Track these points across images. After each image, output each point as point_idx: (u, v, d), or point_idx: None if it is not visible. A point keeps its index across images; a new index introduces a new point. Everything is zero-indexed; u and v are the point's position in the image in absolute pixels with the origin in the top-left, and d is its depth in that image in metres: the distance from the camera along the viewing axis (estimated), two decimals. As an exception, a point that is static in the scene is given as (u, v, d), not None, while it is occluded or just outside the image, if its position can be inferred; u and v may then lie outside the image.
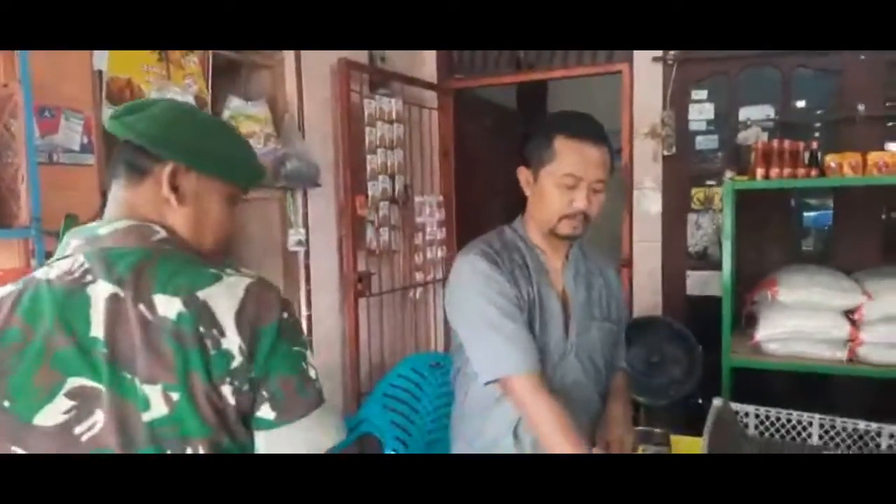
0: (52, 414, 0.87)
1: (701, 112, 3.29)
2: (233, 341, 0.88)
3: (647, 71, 3.33)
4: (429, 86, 3.62)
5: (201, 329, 0.87)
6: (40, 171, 1.72)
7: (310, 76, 2.84)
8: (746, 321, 2.96)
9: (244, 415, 0.90)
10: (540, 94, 5.57)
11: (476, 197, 3.98)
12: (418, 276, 3.49)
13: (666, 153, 3.30)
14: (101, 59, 2.04)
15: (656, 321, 3.12)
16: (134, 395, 0.87)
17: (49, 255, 1.67)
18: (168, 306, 0.88)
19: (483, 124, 4.20)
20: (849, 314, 2.54)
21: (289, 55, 2.78)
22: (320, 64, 2.92)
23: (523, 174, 1.49)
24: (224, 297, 0.90)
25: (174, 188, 0.98)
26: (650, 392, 2.94)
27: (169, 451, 0.88)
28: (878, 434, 1.47)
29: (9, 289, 0.96)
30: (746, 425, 1.61)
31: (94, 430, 0.88)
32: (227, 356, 0.88)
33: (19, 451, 0.89)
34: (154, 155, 0.97)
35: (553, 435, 1.25)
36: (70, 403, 0.88)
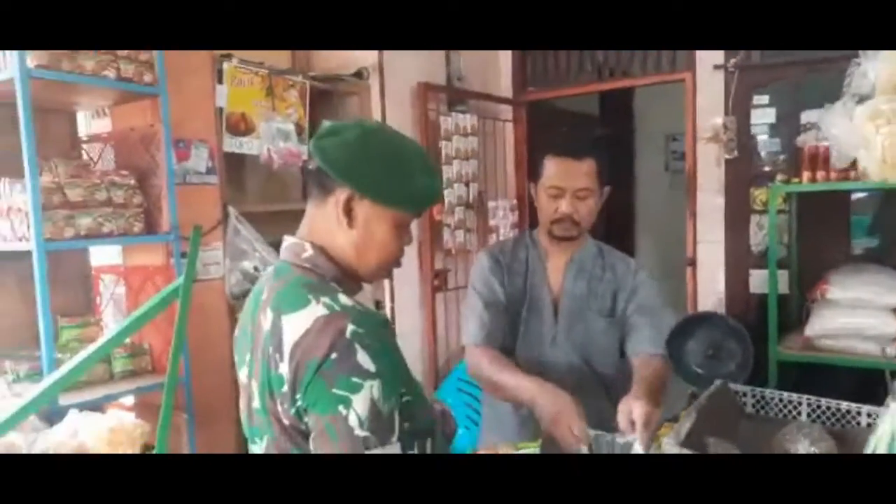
0: (243, 375, 1.10)
1: (763, 116, 3.40)
2: (285, 368, 0.95)
3: (709, 78, 3.48)
4: (502, 100, 3.95)
5: (271, 349, 0.98)
6: (177, 191, 2.22)
7: (392, 99, 3.26)
8: (806, 318, 3.06)
9: (299, 430, 0.97)
10: (625, 101, 5.75)
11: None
12: (492, 274, 3.82)
13: (728, 157, 3.45)
14: (222, 97, 2.54)
15: (713, 317, 3.26)
16: (252, 383, 1.05)
17: (183, 255, 2.16)
18: (266, 321, 1.01)
19: (559, 132, 4.47)
20: (897, 311, 2.62)
21: (374, 82, 3.21)
22: (402, 87, 3.33)
23: (532, 188, 1.74)
24: (293, 325, 0.96)
25: (347, 212, 1.03)
26: (704, 384, 3.11)
27: (262, 438, 1.03)
28: (858, 413, 1.66)
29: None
30: (745, 404, 1.84)
31: (243, 402, 1.09)
32: (281, 381, 0.96)
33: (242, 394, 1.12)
34: (333, 178, 1.03)
35: (495, 374, 1.53)
36: (247, 371, 1.08)
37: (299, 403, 0.94)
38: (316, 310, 0.96)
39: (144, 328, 2.27)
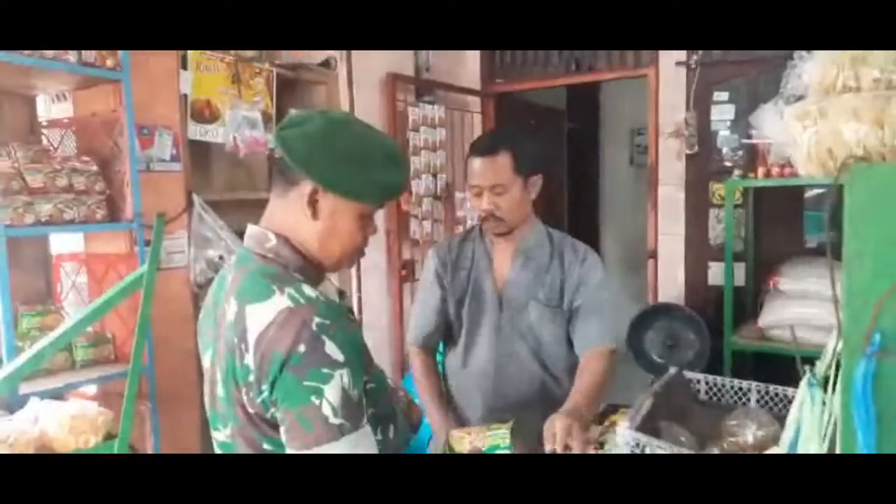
0: (206, 361, 1.10)
1: (722, 113, 3.50)
2: (250, 358, 0.95)
3: (671, 74, 3.56)
4: (470, 91, 3.98)
5: (236, 340, 0.97)
6: (140, 178, 2.21)
7: (360, 88, 3.27)
8: (760, 309, 3.18)
9: (264, 419, 0.97)
10: (592, 95, 5.83)
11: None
12: (459, 264, 3.86)
13: (689, 152, 3.54)
14: (186, 83, 2.52)
15: (672, 308, 3.38)
16: (216, 371, 1.05)
17: (147, 243, 2.15)
18: (230, 311, 1.00)
19: (526, 125, 4.52)
20: (844, 303, 2.73)
21: (342, 71, 3.21)
22: (370, 77, 3.33)
23: None
24: (257, 317, 0.96)
25: (311, 204, 1.03)
26: (663, 373, 3.20)
27: (226, 425, 1.03)
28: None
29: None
30: (698, 391, 1.91)
31: (207, 387, 1.09)
32: (246, 370, 0.96)
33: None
34: (297, 171, 1.02)
35: (419, 388, 1.74)
36: (210, 357, 1.09)
37: (265, 395, 0.94)
38: (280, 301, 0.96)
39: (107, 317, 2.26)
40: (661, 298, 3.65)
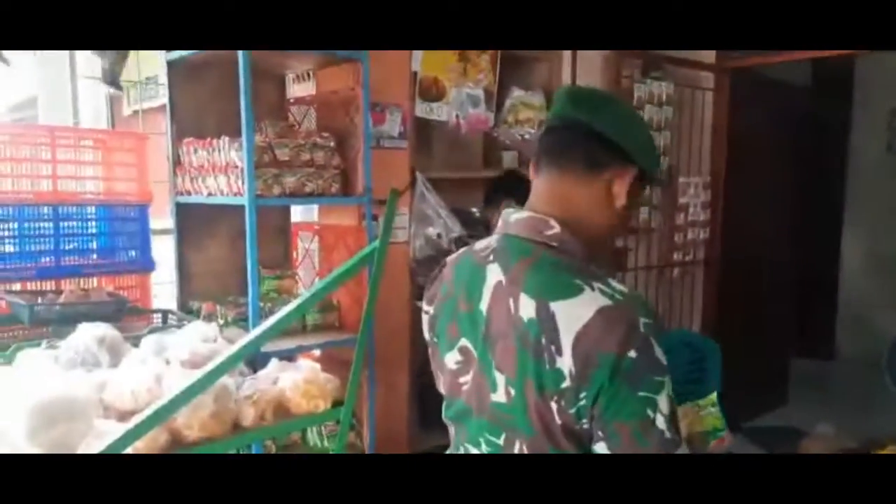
0: (451, 360, 1.04)
1: None
2: (566, 362, 0.85)
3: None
4: (703, 66, 3.61)
5: (543, 341, 0.87)
6: (370, 154, 2.28)
7: (584, 64, 3.10)
8: None
9: (571, 431, 0.88)
10: (844, 72, 5.06)
11: (749, 179, 3.87)
12: (676, 256, 3.57)
13: None
14: (417, 61, 2.55)
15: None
16: (490, 374, 0.95)
17: (374, 217, 2.22)
18: (526, 308, 0.90)
19: (766, 104, 4.02)
20: None
21: (566, 47, 3.07)
22: (594, 52, 3.15)
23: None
24: (572, 315, 0.86)
25: (631, 189, 0.99)
26: None
27: (503, 435, 0.94)
28: None
29: (455, 254, 1.13)
30: None
31: (466, 387, 1.01)
32: (559, 375, 0.86)
33: (440, 376, 1.08)
34: (619, 152, 0.97)
35: None
36: (460, 357, 1.02)
37: (583, 403, 0.85)
38: (593, 298, 0.87)
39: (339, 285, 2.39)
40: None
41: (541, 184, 1.01)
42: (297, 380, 1.49)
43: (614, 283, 0.91)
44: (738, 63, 3.69)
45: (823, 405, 4.37)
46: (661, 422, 0.84)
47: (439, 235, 2.41)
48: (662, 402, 0.84)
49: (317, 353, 2.55)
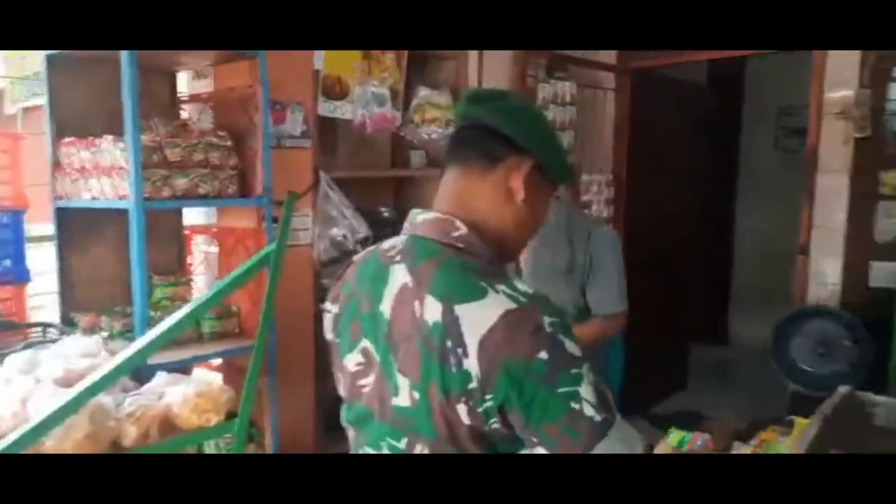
0: (351, 362, 1.01)
1: (902, 91, 3.04)
2: (472, 364, 0.85)
3: (841, 48, 3.14)
4: (605, 67, 3.72)
5: (448, 344, 0.86)
6: (270, 154, 2.20)
7: (490, 64, 3.12)
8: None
9: (479, 433, 0.88)
10: (736, 72, 5.34)
11: (650, 176, 4.02)
12: (583, 251, 3.66)
13: (858, 135, 3.10)
14: (319, 59, 2.49)
15: (825, 311, 3.01)
16: (391, 377, 0.93)
17: (275, 220, 2.14)
18: (431, 311, 0.88)
19: (666, 103, 4.19)
20: None
21: (471, 45, 3.08)
22: (500, 52, 3.18)
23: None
24: (477, 318, 0.85)
25: (526, 183, 0.96)
26: (811, 383, 2.87)
27: (405, 439, 0.92)
28: None
29: (362, 252, 1.10)
30: (872, 415, 1.65)
31: (367, 390, 0.99)
32: (466, 377, 0.85)
33: (340, 378, 1.06)
34: (513, 146, 0.96)
35: None
36: (360, 359, 0.99)
37: (489, 405, 0.85)
38: (498, 300, 0.86)
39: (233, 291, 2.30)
40: (811, 299, 3.27)
41: (445, 184, 1.00)
42: (187, 393, 1.42)
43: (519, 285, 0.90)
44: (638, 63, 3.82)
45: (720, 390, 4.63)
46: (588, 409, 0.84)
47: (344, 237, 2.36)
48: (585, 390, 0.84)
49: (217, 362, 2.44)
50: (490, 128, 0.96)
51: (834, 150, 3.19)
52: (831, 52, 3.16)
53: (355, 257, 1.11)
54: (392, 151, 3.16)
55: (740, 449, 1.79)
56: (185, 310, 1.39)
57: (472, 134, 0.98)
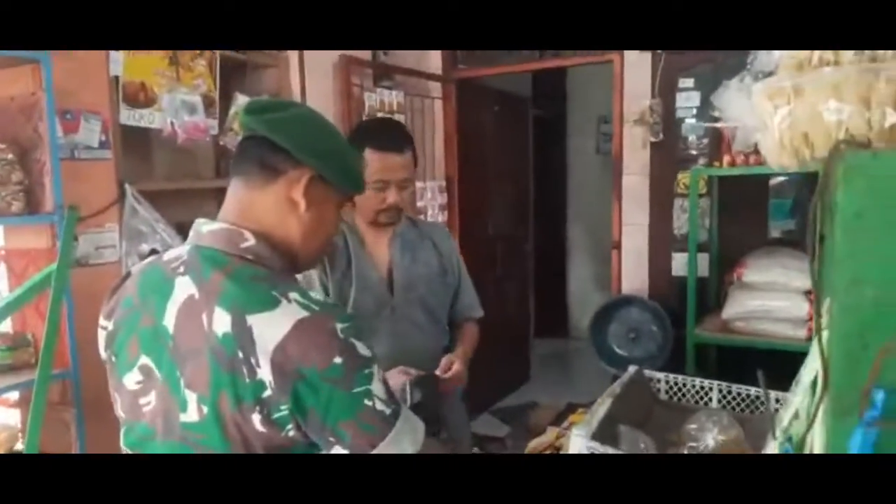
0: (130, 380, 0.97)
1: (688, 100, 3.41)
2: (265, 374, 0.85)
3: (636, 60, 3.47)
4: (432, 77, 3.83)
5: (240, 355, 0.85)
6: (63, 166, 2.02)
7: (313, 72, 3.10)
8: (724, 301, 3.11)
9: (273, 443, 0.88)
10: (559, 81, 5.72)
11: (480, 182, 4.20)
12: (419, 256, 3.74)
13: (653, 140, 3.45)
14: (117, 65, 2.33)
15: (634, 300, 3.31)
16: (178, 393, 0.90)
17: (75, 238, 1.97)
18: (220, 322, 0.87)
19: (490, 111, 4.39)
20: (808, 294, 2.68)
21: (293, 53, 3.04)
22: (323, 60, 3.17)
23: None
24: (269, 328, 0.86)
25: (306, 194, 0.96)
26: (626, 366, 3.13)
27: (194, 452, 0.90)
28: (768, 398, 1.66)
29: (144, 262, 1.05)
30: (658, 390, 1.82)
31: (149, 408, 0.95)
32: (260, 386, 0.85)
33: (118, 398, 1.00)
34: (292, 158, 0.96)
35: None
36: (140, 377, 0.95)
37: (284, 412, 0.86)
38: (290, 310, 0.87)
39: (30, 318, 2.08)
40: (625, 290, 3.58)
41: (231, 195, 1.00)
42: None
43: (312, 294, 0.92)
44: (462, 74, 3.98)
45: (560, 380, 4.94)
46: (379, 405, 0.89)
47: (154, 252, 2.22)
48: (376, 387, 0.90)
49: (15, 396, 2.20)
50: (269, 140, 0.96)
51: (634, 154, 3.52)
52: (628, 64, 3.49)
53: (133, 269, 1.06)
54: (216, 161, 3.03)
55: (550, 433, 1.93)
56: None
57: (253, 145, 0.98)
